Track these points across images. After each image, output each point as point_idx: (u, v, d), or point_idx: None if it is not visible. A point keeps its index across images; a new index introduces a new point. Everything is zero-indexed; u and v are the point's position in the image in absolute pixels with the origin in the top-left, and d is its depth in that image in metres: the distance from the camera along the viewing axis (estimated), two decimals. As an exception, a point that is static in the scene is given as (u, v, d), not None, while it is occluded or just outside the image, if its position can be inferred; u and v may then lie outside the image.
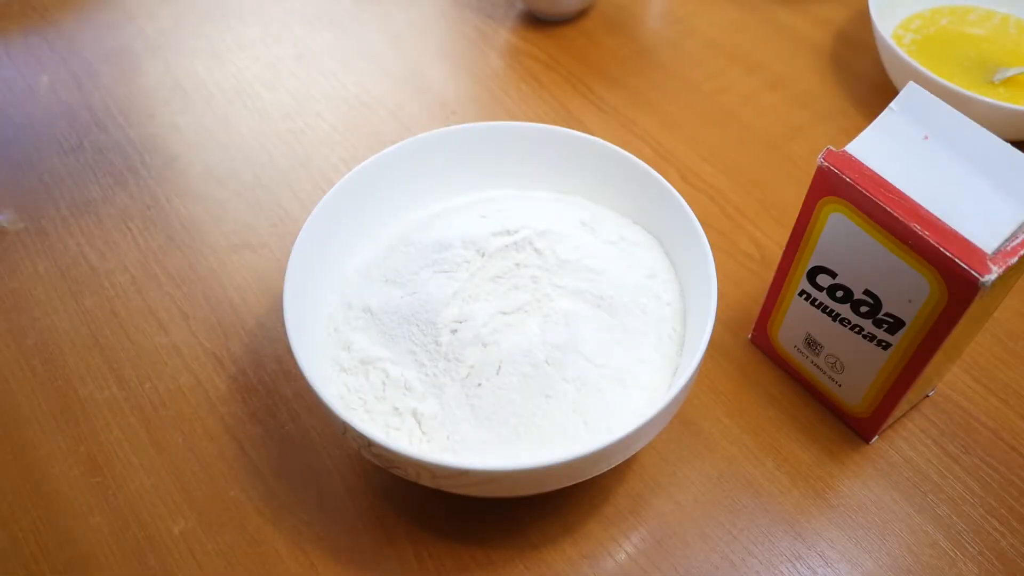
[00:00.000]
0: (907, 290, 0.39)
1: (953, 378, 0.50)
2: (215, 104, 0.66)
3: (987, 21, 0.69)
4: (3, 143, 0.63)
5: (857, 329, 0.43)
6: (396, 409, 0.42)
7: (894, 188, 0.38)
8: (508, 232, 0.47)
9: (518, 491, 0.40)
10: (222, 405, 0.48)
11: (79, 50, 0.70)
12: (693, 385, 0.47)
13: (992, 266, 0.36)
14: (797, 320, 0.46)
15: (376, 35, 0.73)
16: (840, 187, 0.39)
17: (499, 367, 0.42)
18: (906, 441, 0.47)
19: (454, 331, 0.43)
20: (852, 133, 0.64)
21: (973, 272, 0.36)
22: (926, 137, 0.39)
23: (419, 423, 0.41)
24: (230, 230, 0.57)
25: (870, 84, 0.68)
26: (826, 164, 0.40)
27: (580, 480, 0.40)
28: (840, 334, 0.44)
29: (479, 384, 0.42)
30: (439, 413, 0.41)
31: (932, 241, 0.37)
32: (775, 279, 0.47)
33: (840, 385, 0.46)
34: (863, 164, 0.39)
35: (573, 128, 0.51)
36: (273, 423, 0.48)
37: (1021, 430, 0.48)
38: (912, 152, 0.39)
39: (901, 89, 0.40)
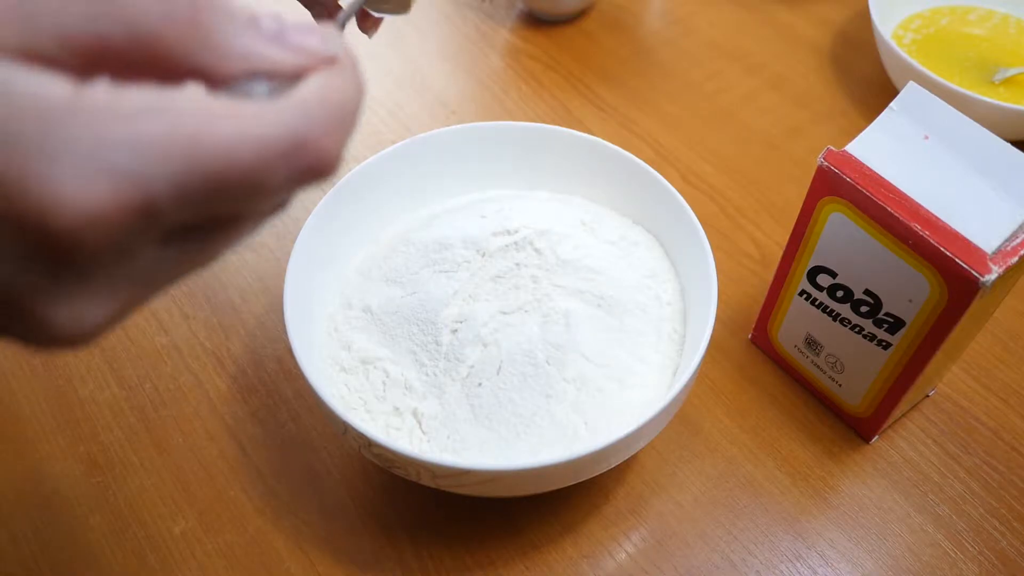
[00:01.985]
0: (907, 290, 0.39)
1: (953, 378, 0.50)
2: (215, 104, 0.66)
3: (987, 21, 0.69)
4: (3, 143, 0.63)
5: (857, 329, 0.43)
6: (396, 409, 0.42)
7: (894, 188, 0.38)
8: (508, 232, 0.47)
9: (518, 491, 0.40)
10: (222, 405, 0.48)
11: (79, 50, 0.70)
12: (693, 385, 0.47)
13: (992, 266, 0.36)
14: (797, 320, 0.46)
15: (376, 35, 0.72)
16: (840, 187, 0.39)
17: (499, 367, 0.42)
18: (906, 441, 0.47)
19: (454, 331, 0.43)
20: (852, 133, 0.64)
21: (973, 272, 0.36)
22: (926, 137, 0.39)
23: (419, 423, 0.41)
24: (230, 230, 0.57)
25: (870, 84, 0.68)
26: (826, 164, 0.40)
27: (580, 480, 0.40)
28: (840, 334, 0.44)
29: (479, 384, 0.42)
30: (439, 413, 0.41)
31: (932, 241, 0.37)
32: (775, 279, 0.47)
33: (840, 385, 0.46)
34: (863, 164, 0.39)
35: (573, 128, 0.51)
36: (273, 423, 0.48)
37: (1021, 430, 0.48)
38: (912, 152, 0.39)
39: (901, 89, 0.40)
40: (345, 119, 0.21)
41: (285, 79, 0.20)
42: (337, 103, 0.20)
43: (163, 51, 0.19)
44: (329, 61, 0.21)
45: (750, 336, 0.52)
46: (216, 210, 0.19)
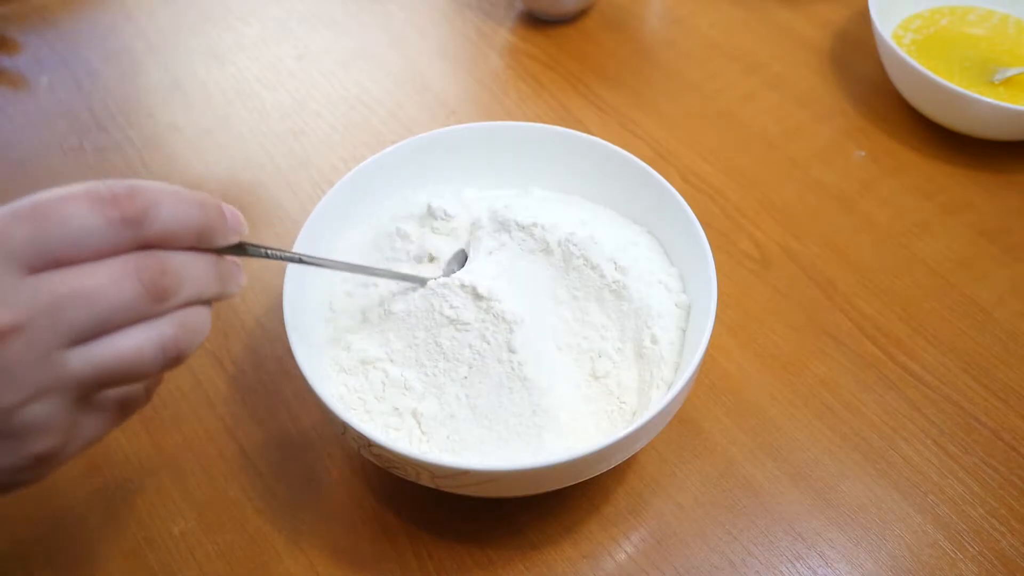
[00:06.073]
0: None
1: (953, 378, 0.50)
2: (215, 104, 0.66)
3: (987, 21, 0.69)
4: (3, 143, 0.63)
5: None
6: (396, 409, 0.42)
7: None
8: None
9: (518, 491, 0.40)
10: (222, 405, 0.48)
11: (79, 50, 0.70)
12: (693, 385, 0.47)
13: None
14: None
15: (376, 35, 0.72)
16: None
17: (499, 367, 0.42)
18: (906, 441, 0.47)
19: (454, 331, 0.43)
20: (852, 133, 0.64)
21: None
22: None
23: (419, 423, 0.41)
24: (230, 230, 0.57)
25: (870, 84, 0.68)
26: None
27: (580, 480, 0.40)
28: None
29: (479, 384, 0.42)
30: (439, 413, 0.41)
31: None
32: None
33: None
34: None
35: (573, 128, 0.51)
36: (273, 423, 0.48)
37: (1021, 430, 0.48)
38: None
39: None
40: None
41: None
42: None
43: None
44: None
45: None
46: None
